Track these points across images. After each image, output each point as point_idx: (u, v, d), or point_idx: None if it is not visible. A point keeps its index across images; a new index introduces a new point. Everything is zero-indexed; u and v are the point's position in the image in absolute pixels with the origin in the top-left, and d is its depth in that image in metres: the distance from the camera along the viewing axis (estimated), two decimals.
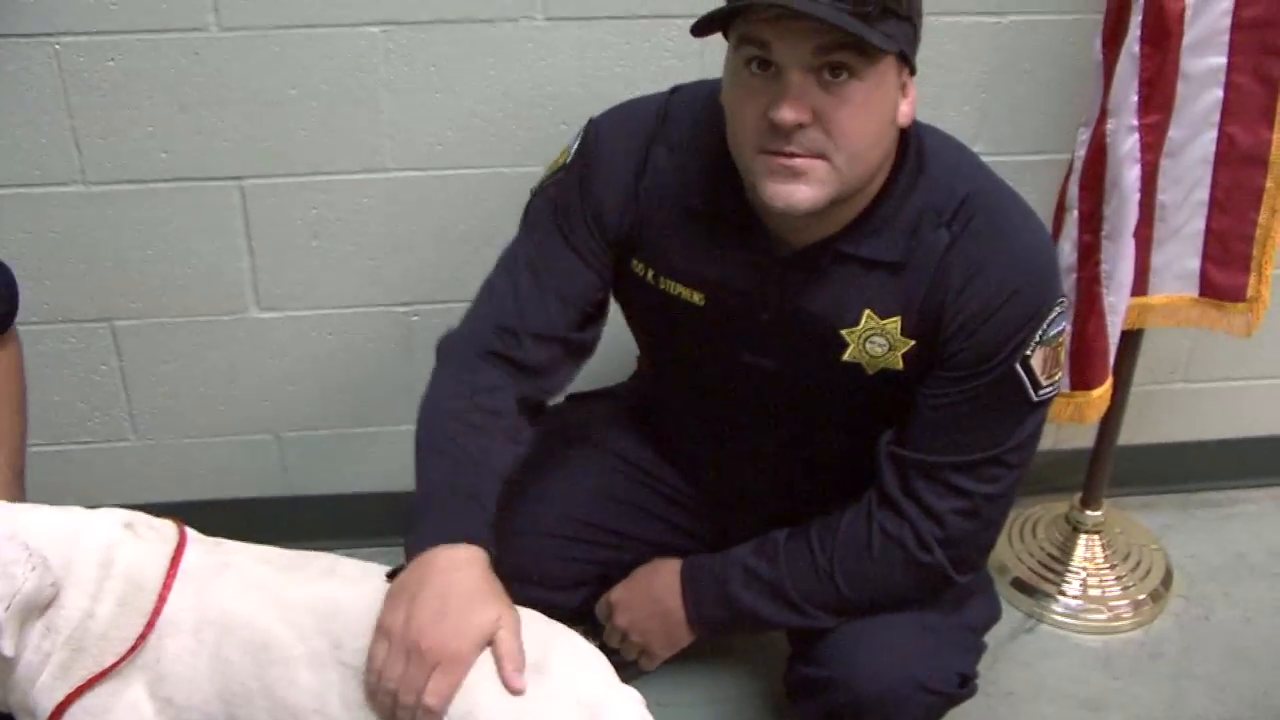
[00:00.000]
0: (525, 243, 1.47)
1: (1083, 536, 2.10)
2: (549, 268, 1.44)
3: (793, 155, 1.22)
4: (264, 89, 1.78)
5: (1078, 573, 2.07)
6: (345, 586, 1.25)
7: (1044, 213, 1.90)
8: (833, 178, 1.24)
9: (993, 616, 1.56)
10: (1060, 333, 1.38)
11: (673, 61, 1.81)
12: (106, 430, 2.02)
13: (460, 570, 1.22)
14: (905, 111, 1.29)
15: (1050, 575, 2.07)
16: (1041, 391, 1.38)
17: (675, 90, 1.45)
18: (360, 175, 1.85)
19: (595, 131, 1.45)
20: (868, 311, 1.37)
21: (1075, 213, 1.77)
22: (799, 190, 1.24)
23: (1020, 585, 2.07)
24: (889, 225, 1.34)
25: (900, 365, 1.39)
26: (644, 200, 1.41)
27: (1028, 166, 1.94)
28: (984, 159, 1.89)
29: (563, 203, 1.44)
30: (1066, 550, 2.10)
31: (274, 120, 1.80)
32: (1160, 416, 2.26)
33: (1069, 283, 1.80)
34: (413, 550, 1.25)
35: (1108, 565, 2.08)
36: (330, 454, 2.10)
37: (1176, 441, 2.31)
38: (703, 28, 1.23)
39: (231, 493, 2.09)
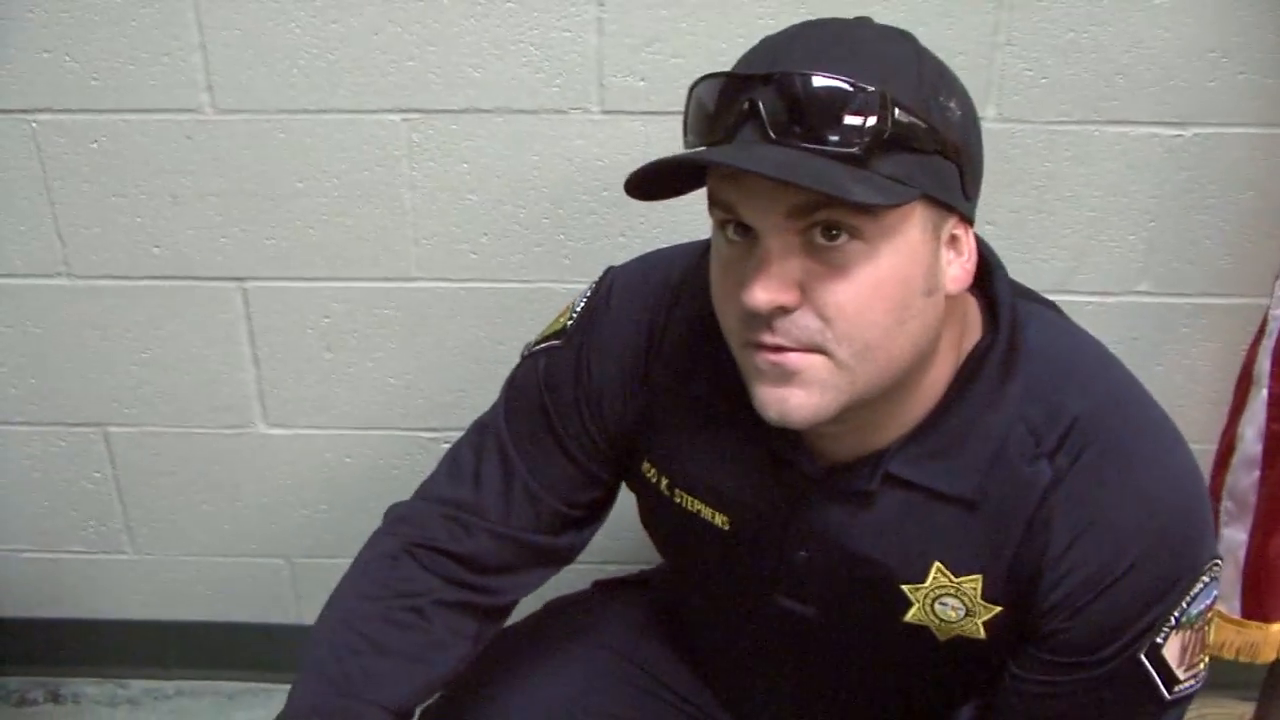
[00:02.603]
0: (502, 418, 1.15)
1: None
2: (525, 457, 1.12)
3: (780, 349, 0.89)
4: (267, 181, 1.51)
5: None
6: None
7: (1222, 374, 1.53)
8: (838, 379, 0.89)
9: None
10: (1209, 608, 0.99)
11: None
12: (102, 542, 1.80)
13: None
14: (955, 276, 0.92)
15: None
16: (1178, 689, 0.99)
17: None
18: (380, 283, 1.58)
19: (609, 289, 1.12)
20: (938, 564, 1.00)
21: (1265, 392, 1.37)
22: (792, 396, 0.89)
23: None
24: (961, 445, 0.97)
25: (982, 634, 1.02)
26: (654, 387, 1.09)
27: (1203, 311, 1.54)
28: (1150, 300, 1.53)
29: (554, 380, 1.12)
30: None
31: (280, 216, 1.54)
32: None
33: (1250, 480, 1.40)
34: None
35: None
36: None
37: None
38: (646, 186, 0.91)
39: (240, 617, 1.85)
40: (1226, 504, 1.45)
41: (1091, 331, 1.64)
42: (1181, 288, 1.54)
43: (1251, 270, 1.51)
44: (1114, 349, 1.55)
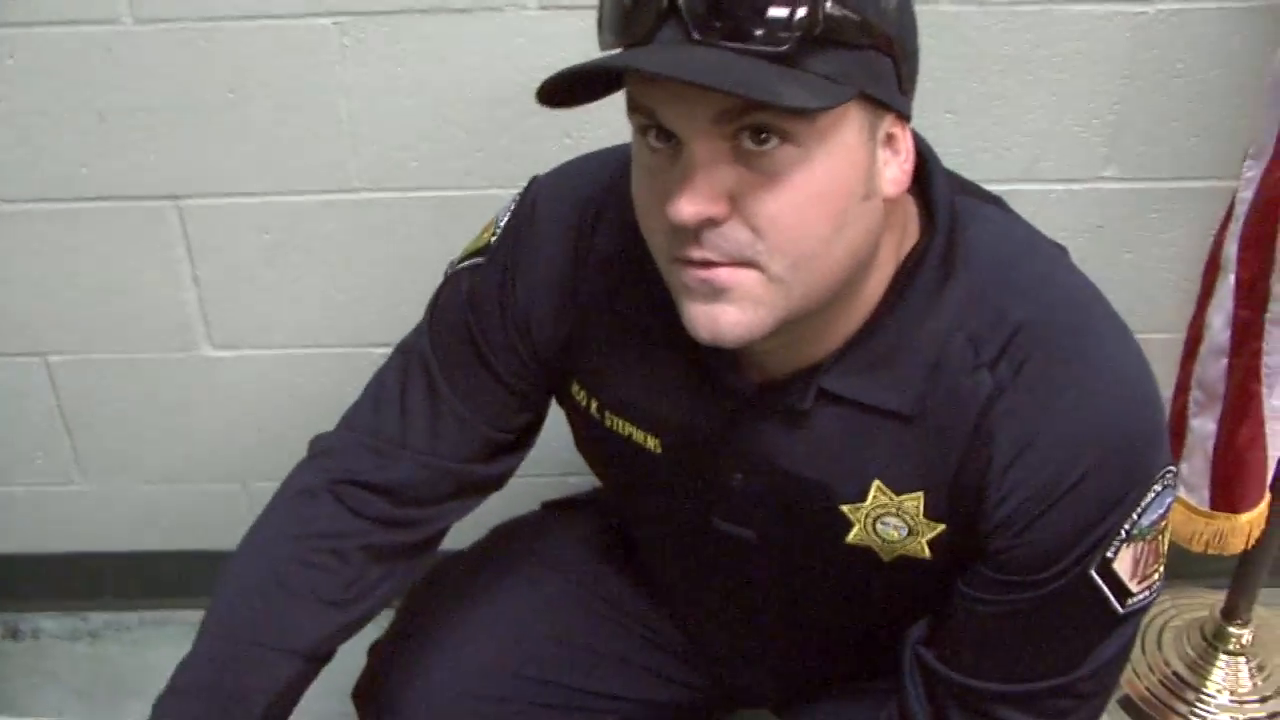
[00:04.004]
0: (426, 342, 1.10)
1: (1223, 657, 1.66)
2: (451, 381, 1.07)
3: (709, 264, 0.83)
4: (195, 93, 1.44)
5: (1211, 699, 1.65)
6: None
7: (1192, 257, 1.49)
8: (772, 294, 0.83)
9: None
10: (1162, 517, 0.95)
11: None
12: (52, 472, 1.76)
13: None
14: (894, 178, 0.86)
15: (1177, 702, 1.65)
16: (1131, 602, 0.95)
17: None
18: (319, 195, 1.51)
19: (533, 201, 1.06)
20: (877, 483, 0.96)
21: (1232, 278, 1.33)
22: (724, 314, 0.83)
23: (1133, 709, 1.66)
24: (897, 357, 0.92)
25: (927, 554, 0.98)
26: (582, 305, 1.03)
27: (1173, 196, 1.50)
28: (1116, 185, 1.48)
29: (478, 299, 1.06)
30: (1200, 671, 1.66)
31: (211, 130, 1.47)
32: None
33: (1218, 369, 1.36)
34: None
35: (1256, 697, 1.65)
36: None
37: None
38: (560, 94, 0.83)
39: (197, 544, 1.81)
40: (1195, 394, 1.42)
41: (1058, 220, 1.60)
42: (1150, 172, 1.48)
43: (1222, 152, 1.45)
44: (1082, 238, 1.53)
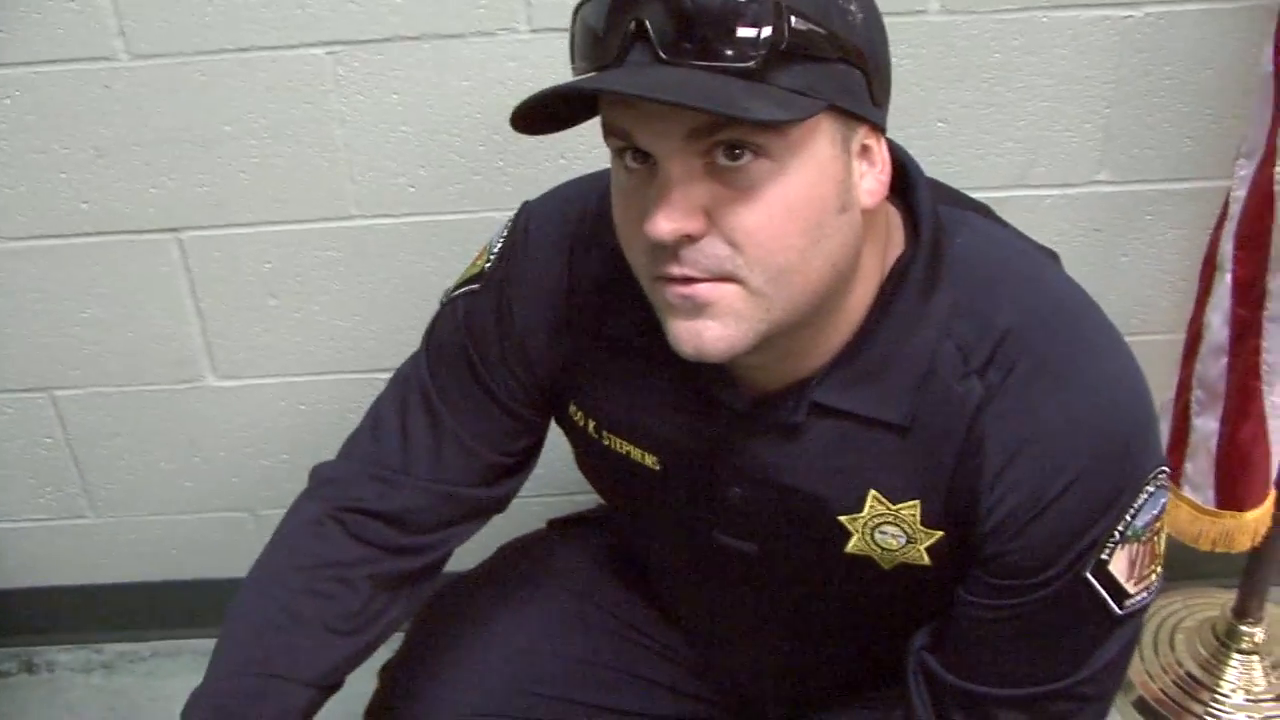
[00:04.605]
0: (425, 370, 1.11)
1: (1236, 656, 1.66)
2: (452, 407, 1.07)
3: (689, 280, 0.83)
4: (192, 126, 1.46)
5: (1226, 699, 1.63)
6: None
7: (1188, 258, 1.49)
8: (753, 308, 0.84)
9: None
10: (1156, 518, 0.95)
11: None
12: (61, 507, 1.77)
13: None
14: (870, 189, 0.87)
15: (1192, 703, 1.64)
16: (1129, 603, 0.96)
17: None
18: (319, 224, 1.52)
19: (525, 227, 1.07)
20: (873, 493, 0.96)
21: (1229, 276, 1.33)
22: (706, 329, 0.84)
23: (1148, 711, 1.65)
24: (888, 367, 0.93)
25: (926, 560, 0.98)
26: (577, 328, 1.04)
27: (1165, 197, 1.50)
28: (1110, 188, 1.48)
29: (475, 324, 1.07)
30: (1214, 671, 1.66)
31: (209, 162, 1.48)
32: None
33: (1219, 367, 1.36)
34: None
35: (1271, 695, 1.63)
36: None
37: None
38: (538, 120, 0.85)
39: (207, 573, 1.82)
40: (1197, 393, 1.42)
41: (1054, 225, 1.60)
42: (1142, 175, 1.49)
43: (1213, 153, 1.46)
44: (1078, 241, 1.54)
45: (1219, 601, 1.72)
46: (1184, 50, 1.41)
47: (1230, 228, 1.33)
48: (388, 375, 1.60)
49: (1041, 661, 0.97)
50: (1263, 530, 1.42)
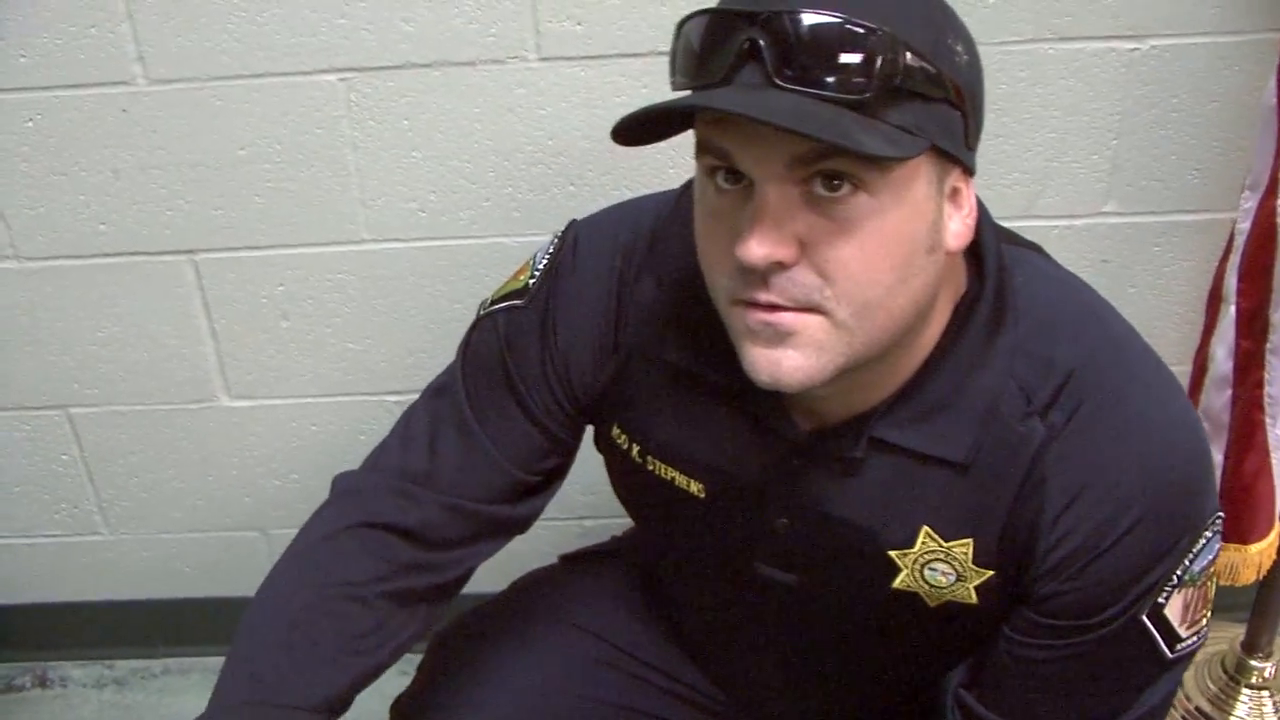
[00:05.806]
0: (459, 383, 1.08)
1: (1246, 691, 1.64)
2: (483, 421, 1.06)
3: (774, 308, 0.82)
4: (208, 150, 1.48)
5: None
6: None
7: (1195, 290, 1.49)
8: (836, 340, 0.83)
9: None
10: (1211, 563, 0.95)
11: None
12: (75, 524, 1.79)
13: None
14: (957, 232, 0.86)
15: None
16: (1180, 647, 0.95)
17: (688, 189, 0.99)
18: (331, 248, 1.54)
19: (573, 246, 1.05)
20: (926, 529, 0.95)
21: (1233, 309, 1.33)
22: (786, 358, 0.83)
23: None
24: (950, 405, 0.92)
25: (974, 599, 0.97)
26: (625, 352, 1.03)
27: (1172, 229, 1.50)
28: (1117, 220, 1.48)
29: (516, 340, 1.05)
30: (1224, 706, 1.64)
31: (224, 186, 1.50)
32: None
33: (1223, 400, 1.36)
34: None
35: None
36: None
37: None
38: (637, 132, 0.84)
39: (219, 591, 1.84)
40: (1202, 425, 1.42)
41: (1061, 257, 1.59)
42: (1149, 206, 1.49)
43: (1220, 185, 1.46)
44: (1084, 273, 1.51)
45: (1228, 635, 1.70)
46: (1190, 83, 1.41)
47: (1235, 260, 1.33)
48: (398, 397, 1.65)
49: (1089, 702, 0.96)
50: (1267, 563, 1.41)
